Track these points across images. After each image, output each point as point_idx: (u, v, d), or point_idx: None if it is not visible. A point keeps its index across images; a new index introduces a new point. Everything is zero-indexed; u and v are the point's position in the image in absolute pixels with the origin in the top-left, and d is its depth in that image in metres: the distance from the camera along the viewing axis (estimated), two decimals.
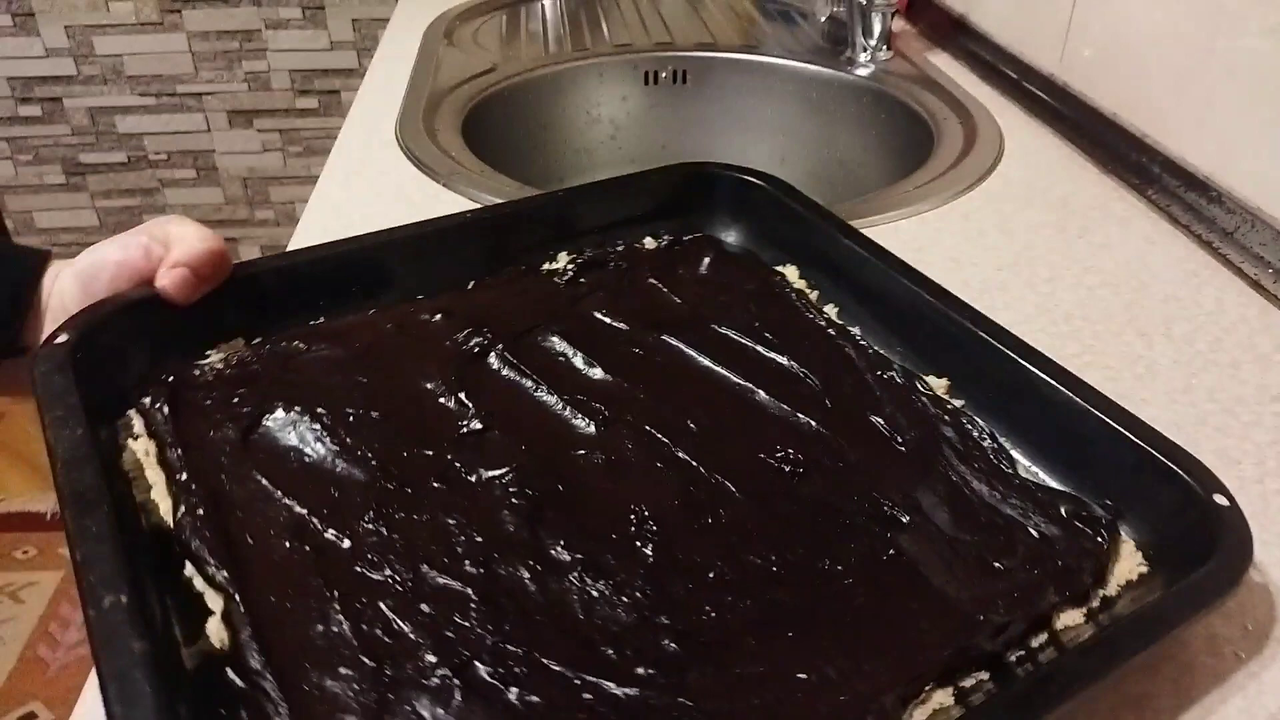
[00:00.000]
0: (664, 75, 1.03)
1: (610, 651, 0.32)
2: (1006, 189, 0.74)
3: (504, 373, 0.46)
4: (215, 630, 0.33)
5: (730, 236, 0.59)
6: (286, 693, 0.30)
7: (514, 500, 0.38)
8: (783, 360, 0.48)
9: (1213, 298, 0.60)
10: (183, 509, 0.37)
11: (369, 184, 0.75)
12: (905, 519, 0.39)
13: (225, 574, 0.34)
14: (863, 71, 0.96)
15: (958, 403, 0.45)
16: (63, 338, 0.41)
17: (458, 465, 0.40)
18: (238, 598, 0.33)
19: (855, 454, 0.42)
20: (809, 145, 1.00)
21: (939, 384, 0.46)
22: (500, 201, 0.62)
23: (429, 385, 0.44)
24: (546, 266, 0.56)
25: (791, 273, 0.55)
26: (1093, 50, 0.80)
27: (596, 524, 0.38)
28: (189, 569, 0.35)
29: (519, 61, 1.01)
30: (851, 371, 0.47)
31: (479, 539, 0.36)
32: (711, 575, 0.36)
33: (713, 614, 0.35)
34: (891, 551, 0.38)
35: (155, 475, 0.39)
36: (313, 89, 1.85)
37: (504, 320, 0.49)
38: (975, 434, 0.43)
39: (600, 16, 1.16)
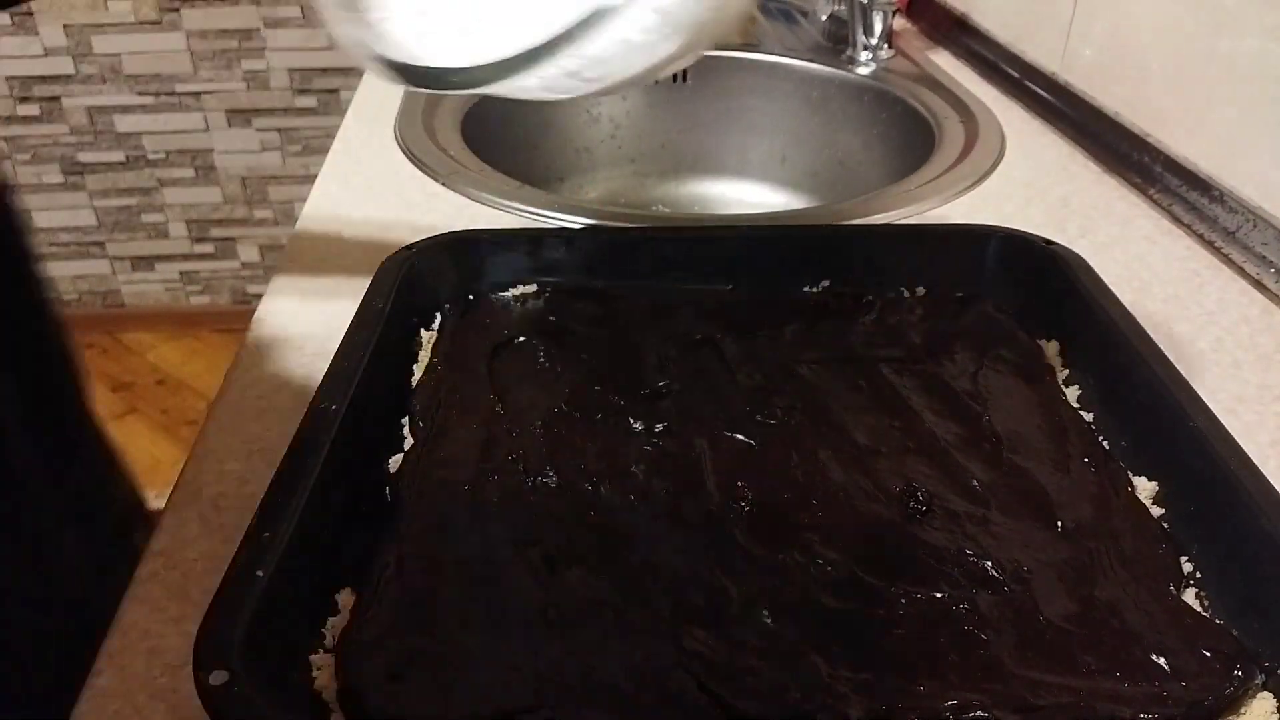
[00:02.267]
0: None
1: (647, 580, 0.38)
2: (1008, 188, 0.74)
3: (712, 359, 0.51)
4: (395, 460, 0.44)
5: (1007, 301, 0.56)
6: (409, 507, 0.41)
7: (647, 449, 0.44)
8: (982, 416, 0.47)
9: (1214, 297, 0.60)
10: (423, 377, 0.50)
11: (368, 183, 0.75)
12: (1004, 585, 0.37)
13: (422, 425, 0.46)
14: (864, 70, 0.96)
15: (1158, 510, 0.42)
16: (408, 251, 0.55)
17: (627, 412, 0.47)
18: (422, 445, 0.44)
19: (998, 516, 0.41)
20: (809, 144, 1.00)
21: (1146, 486, 0.43)
22: (778, 219, 0.64)
23: (648, 352, 0.51)
24: (807, 288, 0.57)
25: (1052, 348, 0.52)
26: (1094, 50, 0.80)
27: (703, 490, 0.42)
28: (406, 419, 0.47)
29: None
30: (1053, 447, 0.45)
31: (602, 465, 0.43)
32: (774, 561, 0.39)
33: (753, 588, 0.37)
34: (965, 606, 0.36)
35: (424, 355, 0.52)
36: (311, 88, 1.85)
37: (738, 320, 0.54)
38: (1150, 541, 0.40)
39: None
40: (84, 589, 0.51)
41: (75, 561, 0.52)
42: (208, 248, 2.05)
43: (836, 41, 1.03)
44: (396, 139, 0.82)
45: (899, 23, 1.06)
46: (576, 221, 0.68)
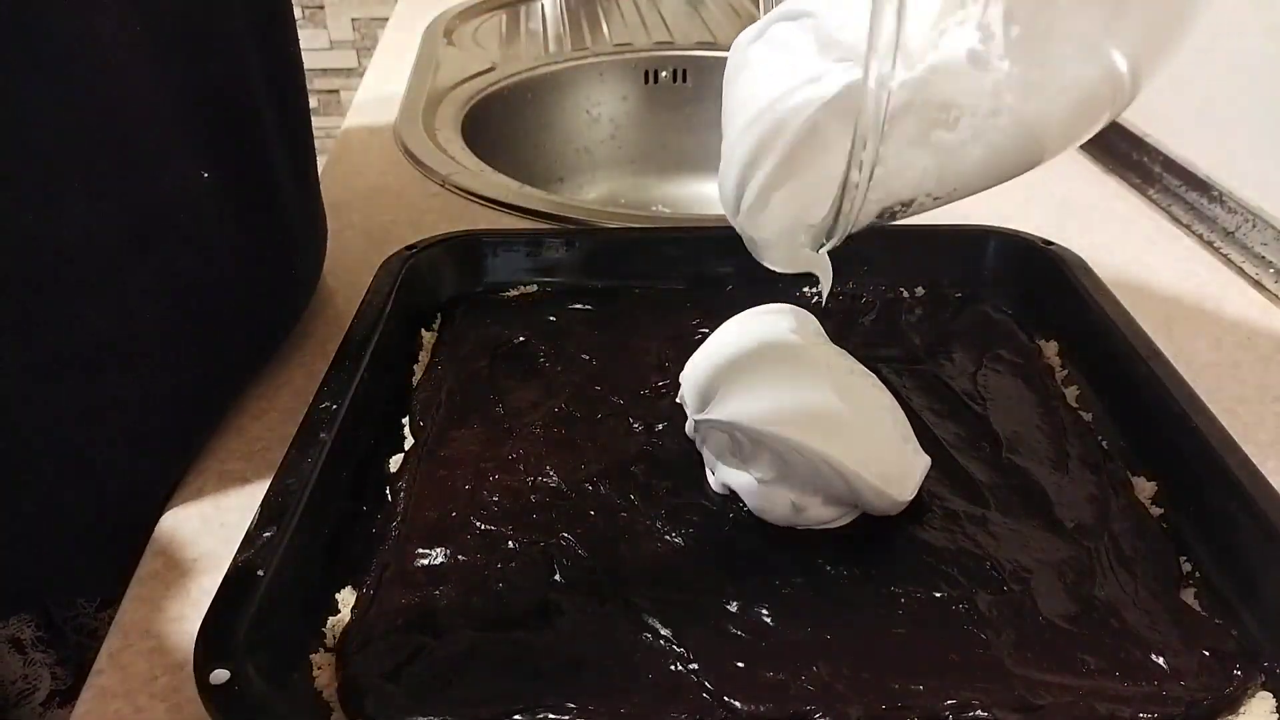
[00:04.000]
0: (664, 75, 1.03)
1: (646, 580, 0.38)
2: (1007, 188, 0.73)
3: None
4: (396, 460, 0.44)
5: (1006, 301, 0.56)
6: (409, 507, 0.41)
7: (647, 449, 0.45)
8: (981, 416, 0.47)
9: (1213, 297, 0.60)
10: (423, 377, 0.50)
11: (368, 184, 0.75)
12: (1004, 585, 0.37)
13: (422, 425, 0.46)
14: None
15: (1157, 510, 0.42)
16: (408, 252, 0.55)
17: (627, 412, 0.47)
18: (422, 445, 0.45)
19: (997, 516, 0.41)
20: None
21: (1146, 486, 0.43)
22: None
23: (646, 352, 0.51)
24: (807, 289, 0.56)
25: (1050, 348, 0.52)
26: None
27: (702, 490, 0.42)
28: (406, 418, 0.47)
29: (519, 61, 1.01)
30: (1052, 447, 0.45)
31: (601, 466, 0.43)
32: (774, 560, 0.39)
33: (753, 587, 0.37)
34: (965, 606, 0.36)
35: (424, 355, 0.52)
36: (312, 88, 1.84)
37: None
38: (1150, 541, 0.40)
39: (600, 16, 1.16)
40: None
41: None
42: None
43: None
44: (396, 139, 0.82)
45: None
46: (576, 221, 0.68)
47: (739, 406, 0.40)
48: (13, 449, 0.40)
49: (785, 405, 0.39)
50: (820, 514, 0.39)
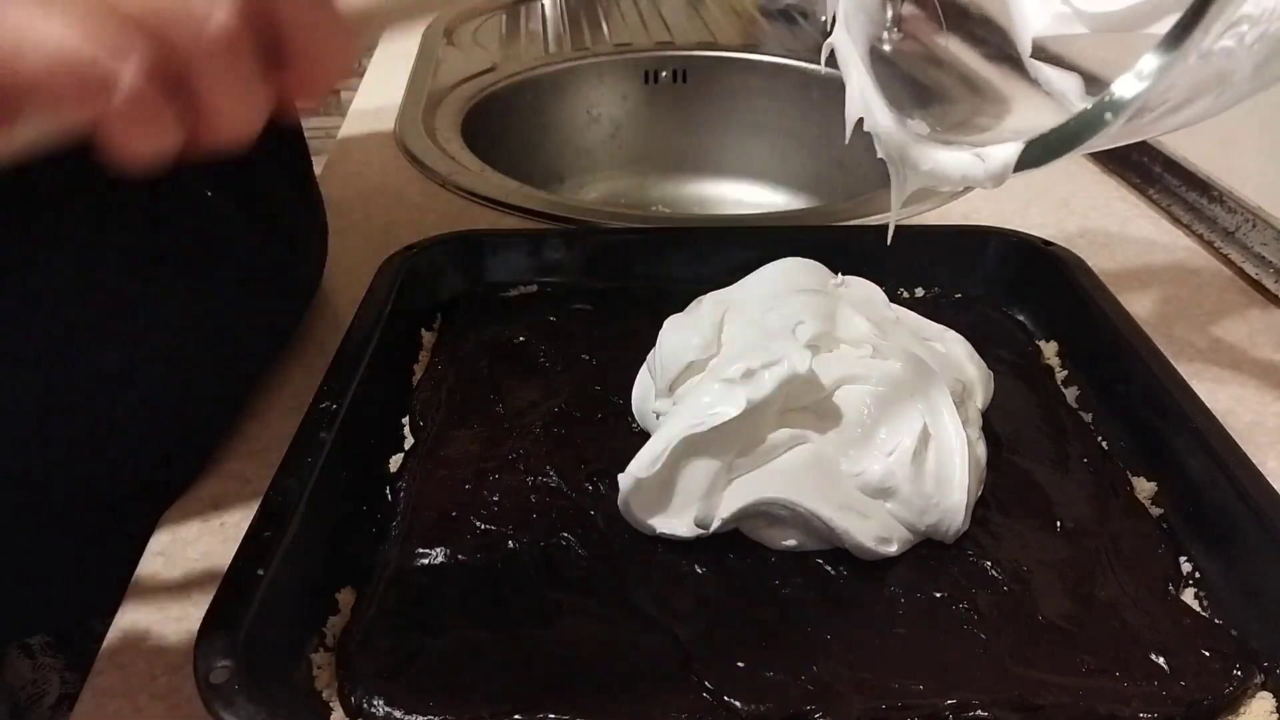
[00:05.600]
0: (664, 75, 1.03)
1: (646, 579, 0.38)
2: (1006, 189, 0.73)
3: None
4: (396, 460, 0.44)
5: (1006, 301, 0.56)
6: (409, 507, 0.41)
7: None
8: (984, 416, 0.46)
9: (1213, 298, 0.60)
10: (423, 377, 0.50)
11: (368, 184, 0.75)
12: (1004, 584, 0.37)
13: (422, 425, 0.46)
14: None
15: (1157, 510, 0.42)
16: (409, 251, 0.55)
17: (626, 412, 0.47)
18: (422, 444, 0.45)
19: (998, 516, 0.41)
20: (809, 145, 1.00)
21: (1145, 486, 0.43)
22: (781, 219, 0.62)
23: (646, 352, 0.50)
24: None
25: (1050, 349, 0.52)
26: None
27: None
28: (406, 418, 0.47)
29: (519, 61, 1.01)
30: (1052, 447, 0.45)
31: (601, 466, 0.43)
32: (773, 560, 0.39)
33: (753, 587, 0.37)
34: (965, 605, 0.36)
35: (424, 355, 0.52)
36: None
37: None
38: (1149, 541, 0.40)
39: (600, 16, 1.15)
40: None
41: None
42: None
43: None
44: (396, 139, 0.82)
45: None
46: (576, 221, 0.68)
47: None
48: (22, 475, 0.40)
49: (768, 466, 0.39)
50: (815, 549, 0.39)
